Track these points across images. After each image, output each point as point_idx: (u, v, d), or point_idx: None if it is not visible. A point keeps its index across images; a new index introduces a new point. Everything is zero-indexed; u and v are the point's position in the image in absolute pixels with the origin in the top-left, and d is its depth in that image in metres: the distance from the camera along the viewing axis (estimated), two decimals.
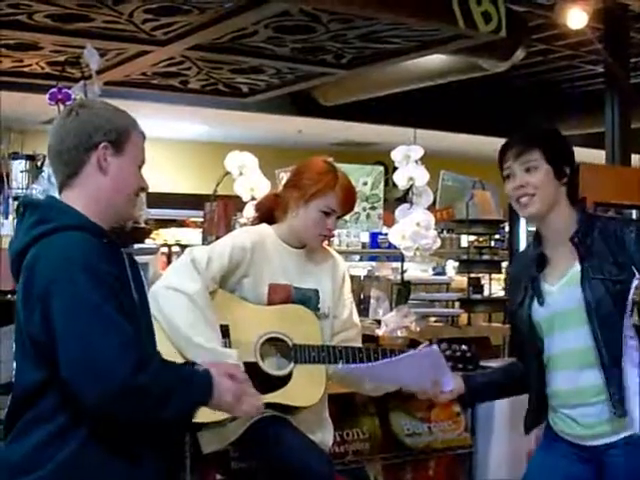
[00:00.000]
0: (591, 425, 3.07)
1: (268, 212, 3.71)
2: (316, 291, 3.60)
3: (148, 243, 5.88)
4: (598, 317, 3.01)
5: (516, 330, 3.29)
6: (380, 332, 4.65)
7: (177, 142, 13.69)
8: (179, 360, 3.25)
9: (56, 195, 2.70)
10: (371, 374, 3.32)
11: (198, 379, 2.55)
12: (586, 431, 3.09)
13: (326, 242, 3.82)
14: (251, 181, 5.33)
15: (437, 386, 3.11)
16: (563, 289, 3.08)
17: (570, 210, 3.14)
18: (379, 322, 4.85)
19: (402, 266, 5.53)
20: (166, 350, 3.27)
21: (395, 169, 5.14)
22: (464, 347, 3.49)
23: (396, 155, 5.09)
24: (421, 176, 5.05)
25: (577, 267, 3.07)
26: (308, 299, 3.58)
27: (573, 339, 3.06)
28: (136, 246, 4.90)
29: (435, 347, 3.15)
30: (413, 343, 4.51)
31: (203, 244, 5.00)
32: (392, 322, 4.64)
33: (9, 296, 4.30)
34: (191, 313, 3.37)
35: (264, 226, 3.67)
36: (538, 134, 3.20)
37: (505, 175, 3.14)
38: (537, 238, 3.21)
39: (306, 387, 3.50)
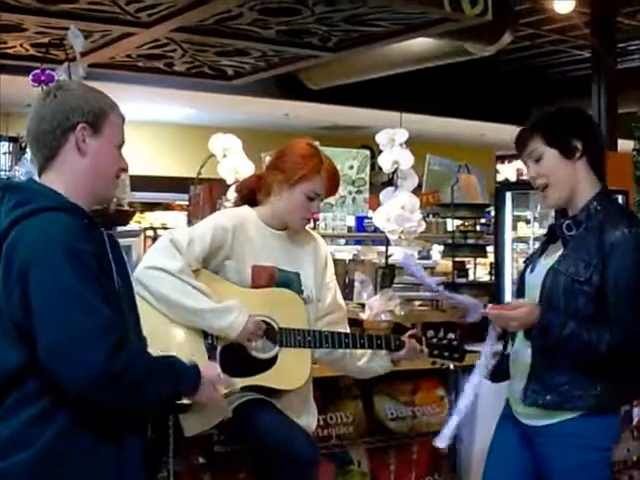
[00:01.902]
0: (516, 401, 3.15)
1: (250, 194, 3.69)
2: (297, 274, 3.59)
3: (131, 226, 5.85)
4: (546, 304, 3.04)
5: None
6: (364, 316, 4.62)
7: (163, 125, 13.65)
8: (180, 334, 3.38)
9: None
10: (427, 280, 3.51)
11: (184, 372, 2.64)
12: (516, 407, 3.14)
13: (312, 225, 3.81)
14: (235, 164, 5.30)
15: (461, 311, 3.42)
16: (543, 269, 3.13)
17: (597, 187, 3.11)
18: (363, 306, 4.84)
19: (387, 250, 5.51)
20: (161, 328, 3.30)
21: (381, 153, 5.12)
22: (451, 335, 3.54)
23: (381, 138, 5.07)
24: (406, 159, 5.03)
25: (560, 252, 3.08)
26: (291, 282, 3.57)
27: None
28: (119, 229, 4.88)
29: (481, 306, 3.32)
30: (397, 327, 4.51)
31: (188, 227, 4.98)
32: (376, 306, 4.62)
33: None
34: (179, 285, 3.36)
35: (246, 208, 3.65)
36: (537, 121, 3.17)
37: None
38: (562, 213, 3.21)
39: (291, 370, 3.50)
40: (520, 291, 3.27)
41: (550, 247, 3.19)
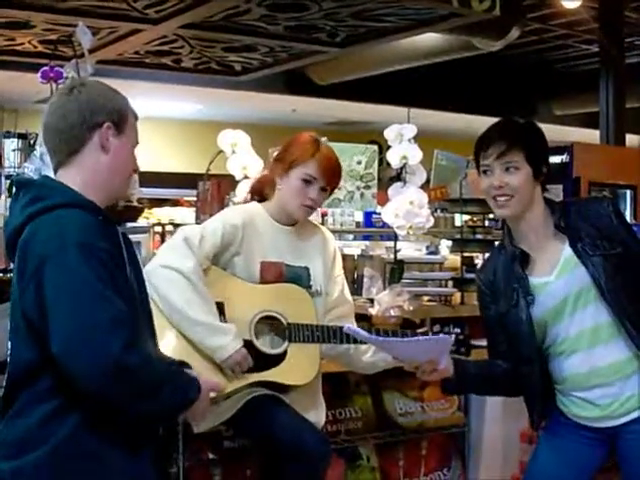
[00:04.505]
0: (609, 405, 3.05)
1: (259, 191, 3.71)
2: (307, 269, 3.60)
3: (140, 222, 5.86)
4: (610, 292, 2.99)
5: (503, 334, 3.18)
6: (373, 311, 4.62)
7: (170, 121, 13.66)
8: (174, 338, 3.35)
9: (49, 174, 2.69)
10: (376, 344, 3.32)
11: (191, 382, 2.62)
12: (603, 412, 3.06)
13: (319, 220, 3.81)
14: (243, 160, 5.30)
15: (431, 364, 3.06)
16: (562, 275, 3.05)
17: (543, 204, 3.12)
18: (372, 301, 4.84)
19: (395, 245, 5.51)
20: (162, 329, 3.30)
21: (389, 148, 5.12)
22: (457, 330, 3.51)
23: (389, 134, 5.07)
24: (414, 155, 5.02)
25: (568, 250, 3.04)
26: (299, 277, 3.58)
27: (582, 320, 3.04)
28: (128, 225, 4.89)
29: (451, 338, 3.17)
30: (406, 322, 4.51)
31: (196, 223, 4.99)
32: (385, 301, 4.62)
33: (2, 274, 4.28)
34: (187, 290, 3.37)
35: (254, 204, 3.67)
36: (521, 133, 3.11)
37: (482, 170, 3.09)
38: (509, 237, 3.16)
39: (300, 366, 3.50)
40: (521, 337, 3.12)
41: (530, 271, 3.11)
